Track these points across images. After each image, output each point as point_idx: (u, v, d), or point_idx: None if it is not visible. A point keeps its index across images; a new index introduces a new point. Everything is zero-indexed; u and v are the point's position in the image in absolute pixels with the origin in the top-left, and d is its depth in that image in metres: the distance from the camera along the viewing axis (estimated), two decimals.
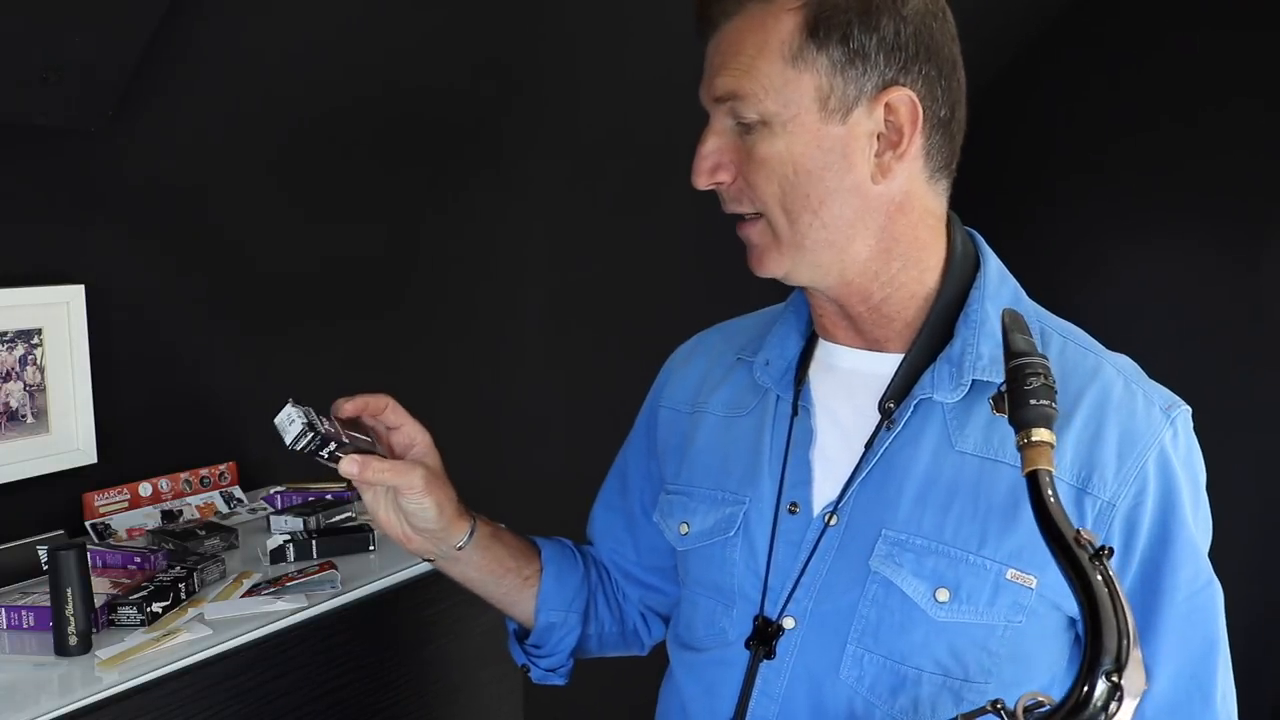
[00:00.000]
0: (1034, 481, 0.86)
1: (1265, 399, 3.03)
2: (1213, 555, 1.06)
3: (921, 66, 1.02)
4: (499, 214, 2.41)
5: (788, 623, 1.06)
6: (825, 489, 1.08)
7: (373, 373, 2.16)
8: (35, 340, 1.62)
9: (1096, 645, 0.82)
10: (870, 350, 1.11)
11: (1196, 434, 1.07)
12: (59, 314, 1.64)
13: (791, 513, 1.09)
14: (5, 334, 1.59)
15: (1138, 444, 1.02)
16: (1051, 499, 0.86)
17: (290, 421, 1.05)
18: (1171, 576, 1.03)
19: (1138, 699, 0.83)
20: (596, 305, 2.69)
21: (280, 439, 1.05)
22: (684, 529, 1.17)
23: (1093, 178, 3.24)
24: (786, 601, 1.07)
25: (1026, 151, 3.35)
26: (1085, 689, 0.82)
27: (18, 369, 1.60)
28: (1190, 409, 1.06)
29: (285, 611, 1.40)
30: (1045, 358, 0.90)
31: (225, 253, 1.92)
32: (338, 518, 1.69)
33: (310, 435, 1.04)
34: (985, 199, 3.42)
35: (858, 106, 1.02)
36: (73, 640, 1.27)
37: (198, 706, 1.27)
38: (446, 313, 2.36)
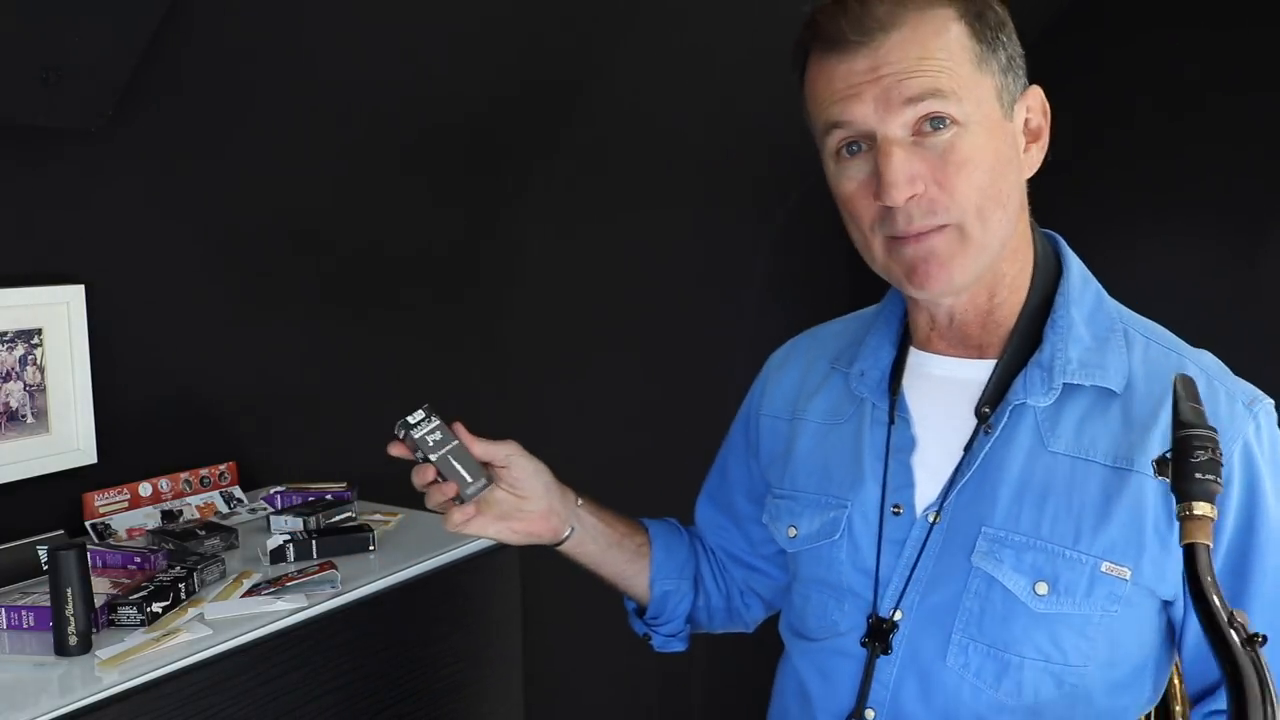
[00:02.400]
0: (1191, 555, 0.89)
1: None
2: None
3: (1027, 69, 1.12)
4: (510, 218, 2.41)
5: (897, 616, 1.13)
6: (926, 491, 1.14)
7: (375, 374, 2.16)
8: (35, 340, 1.62)
9: None
10: (964, 358, 1.16)
11: None
12: (59, 314, 1.64)
13: (895, 514, 1.15)
14: (5, 334, 1.59)
15: (1222, 439, 1.05)
16: (1209, 579, 0.87)
17: (422, 417, 1.21)
18: (1259, 563, 1.08)
19: None
20: (630, 309, 2.69)
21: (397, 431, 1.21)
22: (792, 532, 1.24)
23: (1089, 176, 3.24)
24: (900, 598, 1.13)
25: None
26: None
27: (18, 369, 1.60)
28: (1273, 402, 1.11)
29: (285, 611, 1.40)
30: (1214, 430, 0.92)
31: (225, 252, 1.92)
32: (338, 518, 1.69)
33: (429, 426, 1.21)
34: None
35: (1017, 103, 1.11)
36: (73, 640, 1.27)
37: (198, 706, 1.27)
38: (449, 316, 2.36)
